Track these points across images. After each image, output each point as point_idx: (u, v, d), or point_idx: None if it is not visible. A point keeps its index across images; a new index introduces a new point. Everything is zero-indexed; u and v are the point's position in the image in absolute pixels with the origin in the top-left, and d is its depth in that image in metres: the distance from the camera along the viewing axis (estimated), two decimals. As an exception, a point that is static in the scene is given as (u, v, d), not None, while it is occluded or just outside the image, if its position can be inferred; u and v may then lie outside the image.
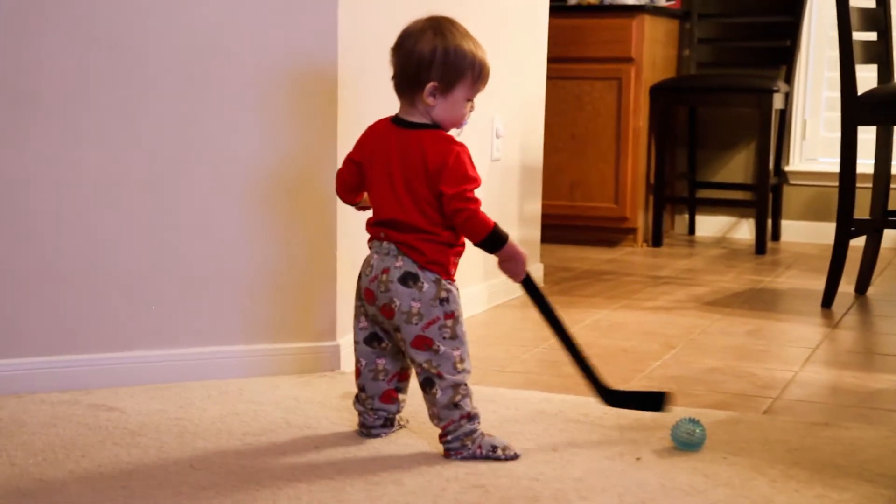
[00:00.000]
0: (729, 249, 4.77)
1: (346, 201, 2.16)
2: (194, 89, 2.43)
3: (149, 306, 2.46)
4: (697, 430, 2.05)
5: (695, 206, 5.13)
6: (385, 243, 2.01)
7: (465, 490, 1.85)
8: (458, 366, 2.00)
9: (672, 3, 4.94)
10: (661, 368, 2.70)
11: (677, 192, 5.10)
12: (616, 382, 2.56)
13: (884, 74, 3.66)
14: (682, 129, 5.07)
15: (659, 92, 4.74)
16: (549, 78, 3.83)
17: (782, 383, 2.59)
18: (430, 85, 1.96)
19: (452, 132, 2.03)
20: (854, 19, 3.41)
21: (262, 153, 2.50)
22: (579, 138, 4.69)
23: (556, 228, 4.63)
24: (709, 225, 5.15)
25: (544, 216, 3.93)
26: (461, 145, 1.99)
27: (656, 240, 4.82)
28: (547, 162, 3.98)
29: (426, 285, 1.98)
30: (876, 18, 3.66)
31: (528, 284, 2.08)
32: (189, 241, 2.47)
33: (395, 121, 2.04)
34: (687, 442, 2.05)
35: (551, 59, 3.84)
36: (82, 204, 2.39)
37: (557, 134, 4.60)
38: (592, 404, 2.34)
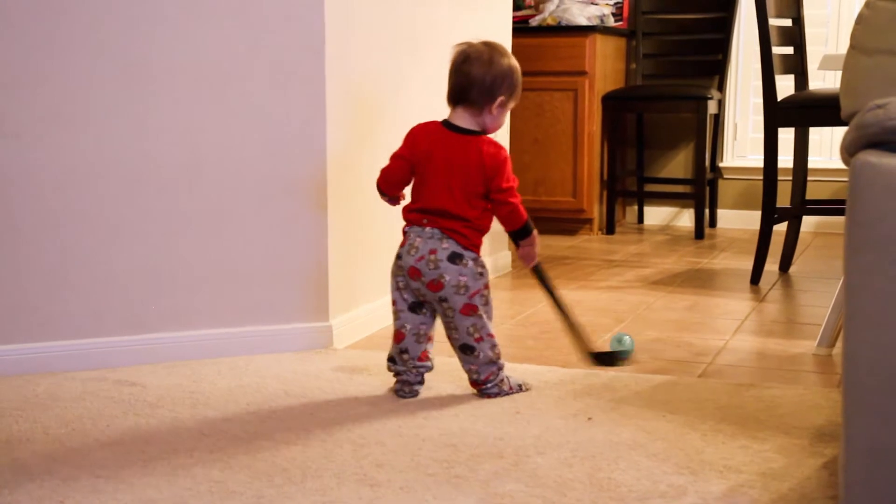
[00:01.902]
0: (672, 236, 4.76)
1: (390, 194, 2.21)
2: (201, 100, 2.41)
3: (166, 294, 2.45)
4: (626, 339, 2.40)
5: (643, 199, 5.12)
6: (428, 228, 2.08)
7: (438, 448, 1.85)
8: (491, 328, 2.12)
9: (620, 23, 4.93)
10: (611, 340, 2.70)
11: (627, 187, 5.09)
12: (572, 352, 2.57)
13: (800, 83, 3.65)
14: (630, 132, 5.06)
15: (610, 100, 4.73)
16: (513, 90, 3.80)
17: (715, 350, 2.59)
18: (501, 98, 2.06)
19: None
20: (774, 36, 3.41)
21: (262, 156, 2.48)
22: (541, 142, 4.68)
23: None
24: (655, 215, 5.15)
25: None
26: (506, 151, 2.10)
27: (610, 228, 4.82)
28: (514, 163, 3.94)
29: (469, 262, 2.08)
30: (792, 35, 3.66)
31: (538, 270, 2.20)
32: (200, 236, 2.46)
33: (448, 125, 2.11)
34: (618, 346, 2.40)
35: (515, 74, 3.82)
36: (105, 204, 2.37)
37: (522, 138, 4.59)
38: (550, 372, 2.34)
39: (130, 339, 2.42)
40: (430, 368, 2.18)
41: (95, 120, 2.34)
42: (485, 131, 2.10)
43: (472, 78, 2.05)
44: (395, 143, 2.88)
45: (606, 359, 2.33)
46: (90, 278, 2.38)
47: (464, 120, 2.09)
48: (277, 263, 2.53)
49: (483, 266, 2.12)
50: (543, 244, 4.35)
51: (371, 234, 2.77)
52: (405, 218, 2.14)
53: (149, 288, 2.43)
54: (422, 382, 2.19)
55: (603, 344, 2.58)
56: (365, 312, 2.74)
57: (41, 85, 2.29)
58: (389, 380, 2.27)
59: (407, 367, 2.16)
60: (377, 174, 2.78)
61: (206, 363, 2.42)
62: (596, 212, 4.75)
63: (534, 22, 4.73)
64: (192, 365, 2.41)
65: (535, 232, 2.14)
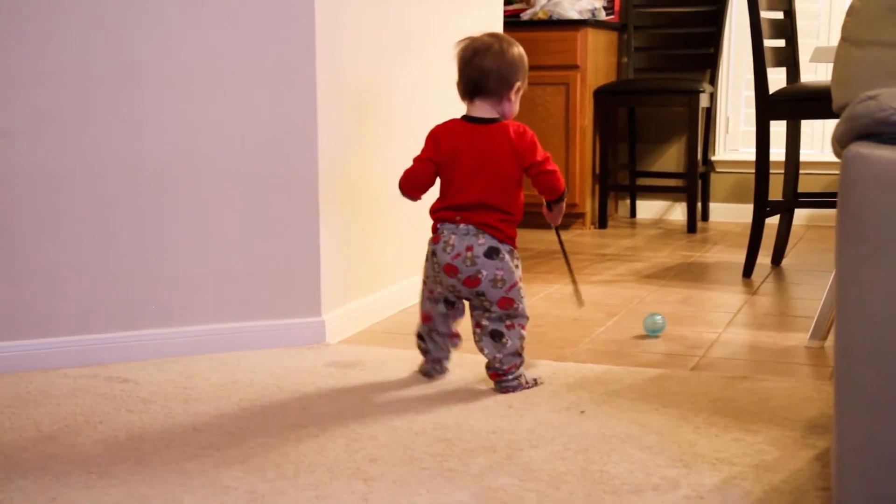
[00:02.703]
0: (665, 230, 4.77)
1: (412, 197, 2.23)
2: (193, 101, 2.41)
3: (158, 290, 2.44)
4: (658, 319, 2.62)
5: (635, 193, 5.12)
6: (462, 225, 2.10)
7: (432, 443, 1.85)
8: (526, 320, 2.15)
9: (611, 17, 4.93)
10: (605, 333, 2.70)
11: (620, 181, 5.10)
12: (565, 345, 2.57)
13: (792, 76, 3.66)
14: (622, 127, 5.06)
15: (602, 94, 4.73)
16: (505, 84, 3.80)
17: (708, 343, 2.59)
18: (517, 84, 2.11)
19: None
20: (765, 28, 3.41)
21: (255, 153, 2.48)
22: (533, 136, 4.68)
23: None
24: (647, 209, 5.15)
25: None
26: (531, 129, 2.15)
27: (602, 222, 4.82)
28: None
29: (506, 256, 2.11)
30: (784, 28, 3.66)
31: (559, 230, 2.38)
32: (192, 234, 2.45)
33: (470, 119, 2.13)
34: (653, 329, 2.61)
35: (506, 68, 3.82)
36: (98, 201, 2.37)
37: (514, 133, 4.59)
38: (543, 366, 2.34)
39: (123, 336, 2.41)
40: (457, 345, 2.25)
41: (89, 119, 2.33)
42: (504, 118, 2.14)
43: (487, 69, 2.09)
44: (387, 140, 2.89)
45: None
46: (84, 275, 2.37)
47: (484, 111, 2.12)
48: (270, 259, 2.52)
49: (518, 258, 2.16)
50: (536, 239, 4.37)
51: (363, 231, 2.77)
52: (435, 217, 2.16)
53: (141, 285, 2.42)
54: (449, 358, 2.25)
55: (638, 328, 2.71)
56: (357, 307, 2.73)
57: (36, 85, 2.28)
58: (381, 374, 2.27)
59: (437, 344, 2.22)
60: (369, 171, 2.79)
61: (199, 359, 2.42)
62: (588, 206, 4.75)
63: (525, 16, 4.73)
64: (184, 361, 2.41)
65: (566, 196, 2.22)
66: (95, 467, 1.74)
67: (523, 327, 2.15)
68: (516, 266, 2.14)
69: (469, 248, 2.09)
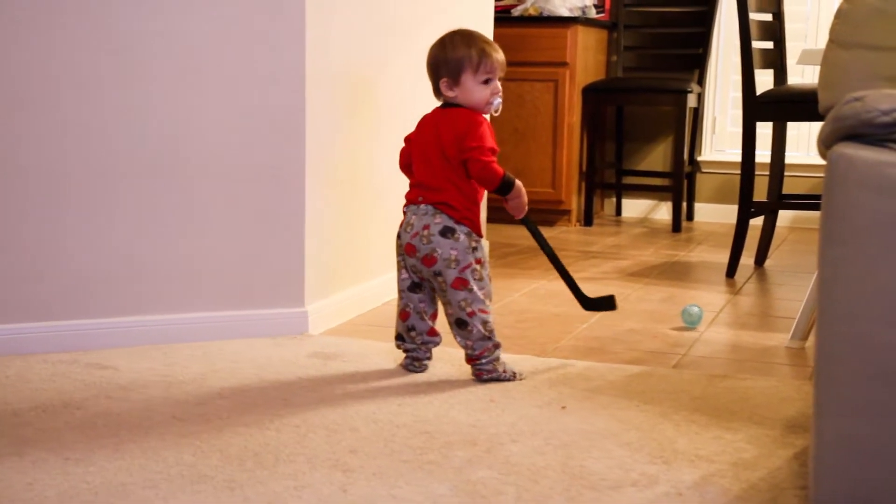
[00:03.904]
0: (650, 228, 4.78)
1: (407, 175, 2.28)
2: (180, 90, 2.39)
3: (141, 277, 2.43)
4: (695, 310, 2.72)
5: (621, 191, 5.13)
6: (423, 205, 2.15)
7: (412, 435, 1.85)
8: (486, 302, 2.16)
9: (602, 15, 4.93)
10: (588, 330, 2.71)
11: (606, 179, 5.10)
12: (548, 341, 2.57)
13: (779, 78, 3.67)
14: (610, 125, 5.06)
15: (590, 92, 4.73)
16: (493, 80, 3.79)
17: (690, 342, 2.60)
18: (443, 80, 2.17)
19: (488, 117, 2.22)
20: (754, 30, 3.42)
21: (241, 142, 2.46)
22: (521, 132, 4.68)
23: (502, 210, 4.56)
24: (633, 207, 5.16)
25: (491, 199, 3.91)
26: (484, 119, 2.17)
27: (588, 220, 4.82)
28: (492, 152, 3.95)
29: (461, 236, 2.13)
30: (772, 29, 3.67)
31: (526, 221, 2.26)
32: (176, 222, 2.44)
33: (442, 105, 2.21)
34: (691, 322, 2.71)
35: (495, 64, 3.82)
36: (81, 188, 2.35)
37: (502, 128, 4.58)
38: (525, 361, 2.34)
39: (104, 322, 2.40)
40: (437, 343, 2.26)
41: (75, 107, 2.32)
42: (467, 106, 2.17)
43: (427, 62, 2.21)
44: (375, 131, 2.88)
45: (600, 303, 2.39)
46: (66, 262, 2.36)
47: (450, 99, 2.20)
48: (254, 249, 2.51)
49: (478, 241, 2.16)
50: (521, 234, 4.35)
51: (348, 221, 2.76)
52: (405, 198, 2.21)
53: (124, 272, 2.41)
54: (430, 357, 2.27)
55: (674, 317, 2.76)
56: (341, 299, 2.73)
57: (22, 74, 2.26)
58: (363, 366, 2.27)
59: (416, 343, 2.23)
60: (356, 162, 2.79)
61: (180, 347, 2.41)
62: (574, 203, 4.75)
63: (516, 12, 4.72)
64: (165, 349, 2.39)
65: (517, 184, 2.17)
66: (73, 454, 1.73)
67: (484, 311, 2.15)
68: (474, 248, 2.14)
69: (426, 227, 2.14)
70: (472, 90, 2.16)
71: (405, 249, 2.17)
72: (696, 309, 2.73)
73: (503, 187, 2.15)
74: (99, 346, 2.38)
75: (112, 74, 2.33)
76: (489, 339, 2.16)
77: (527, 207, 2.22)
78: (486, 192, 2.30)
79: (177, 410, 1.96)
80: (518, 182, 2.17)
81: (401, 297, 2.23)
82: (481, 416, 1.95)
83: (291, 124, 2.49)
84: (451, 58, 2.16)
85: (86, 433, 1.83)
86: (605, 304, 2.40)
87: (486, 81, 2.16)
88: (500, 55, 2.18)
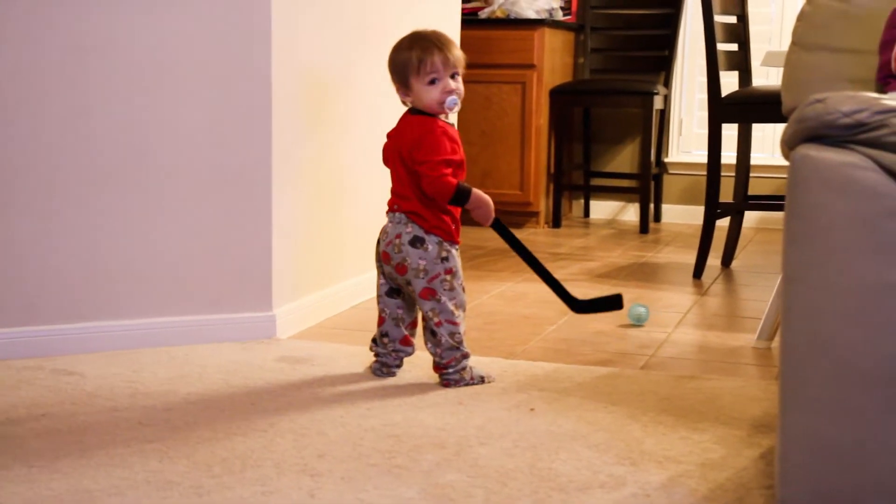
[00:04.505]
0: (618, 230, 4.80)
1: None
2: (145, 90, 2.37)
3: (106, 282, 2.40)
4: (643, 311, 2.76)
5: (589, 193, 5.15)
6: (398, 213, 2.14)
7: (380, 439, 1.84)
8: (456, 312, 2.15)
9: (568, 17, 4.95)
10: (556, 332, 2.71)
11: (574, 181, 5.12)
12: (516, 343, 2.57)
13: (744, 79, 3.70)
14: (577, 126, 5.08)
15: (558, 94, 4.75)
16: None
17: (657, 343, 2.61)
18: (397, 88, 2.16)
19: (450, 117, 2.20)
20: (719, 32, 3.44)
21: (207, 144, 2.45)
22: (489, 134, 4.69)
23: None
24: (601, 209, 5.18)
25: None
26: (443, 125, 2.12)
27: (556, 222, 4.84)
28: (460, 155, 3.95)
29: (430, 247, 2.12)
30: (737, 32, 3.70)
31: (497, 225, 2.20)
32: (142, 225, 2.42)
33: (410, 111, 2.19)
34: (638, 320, 2.76)
35: (463, 66, 3.82)
36: (45, 192, 2.32)
37: (470, 130, 4.59)
38: (493, 364, 2.34)
39: (69, 328, 2.37)
40: (409, 353, 2.25)
41: (36, 108, 2.29)
42: (427, 111, 2.14)
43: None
44: (342, 133, 2.87)
45: (597, 304, 2.28)
46: (30, 266, 2.33)
47: (405, 104, 2.20)
48: (221, 252, 2.50)
49: (448, 251, 2.14)
50: (489, 236, 4.35)
51: (316, 224, 2.75)
52: (387, 204, 2.22)
53: (89, 276, 2.39)
54: (400, 365, 2.26)
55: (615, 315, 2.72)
56: (309, 303, 2.71)
57: (-22, 67, 2.24)
58: (332, 370, 2.26)
59: (387, 349, 2.23)
60: (323, 165, 2.78)
61: (147, 353, 2.39)
62: (542, 205, 4.77)
63: (483, 14, 4.73)
64: (131, 354, 2.37)
65: (474, 193, 2.11)
66: (37, 461, 1.71)
67: (452, 322, 2.14)
68: (444, 259, 2.12)
69: (398, 236, 2.13)
70: (421, 93, 2.11)
71: (381, 257, 2.17)
72: (642, 309, 2.77)
73: (457, 199, 2.09)
74: (64, 352, 2.35)
75: (72, 75, 2.31)
76: (457, 349, 2.16)
77: (493, 214, 2.16)
78: None
79: (143, 416, 1.95)
80: (476, 191, 2.11)
81: (379, 302, 2.23)
82: (450, 420, 1.95)
83: (258, 125, 2.48)
84: (397, 64, 2.14)
85: (51, 440, 1.81)
86: (604, 304, 2.27)
87: (433, 82, 2.10)
88: (447, 53, 2.11)
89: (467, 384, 2.17)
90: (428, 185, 2.08)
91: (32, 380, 2.16)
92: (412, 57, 2.11)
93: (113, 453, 1.75)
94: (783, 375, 1.41)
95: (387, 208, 2.19)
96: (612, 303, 2.28)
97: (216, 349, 2.43)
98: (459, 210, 2.16)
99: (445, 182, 2.07)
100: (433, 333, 2.15)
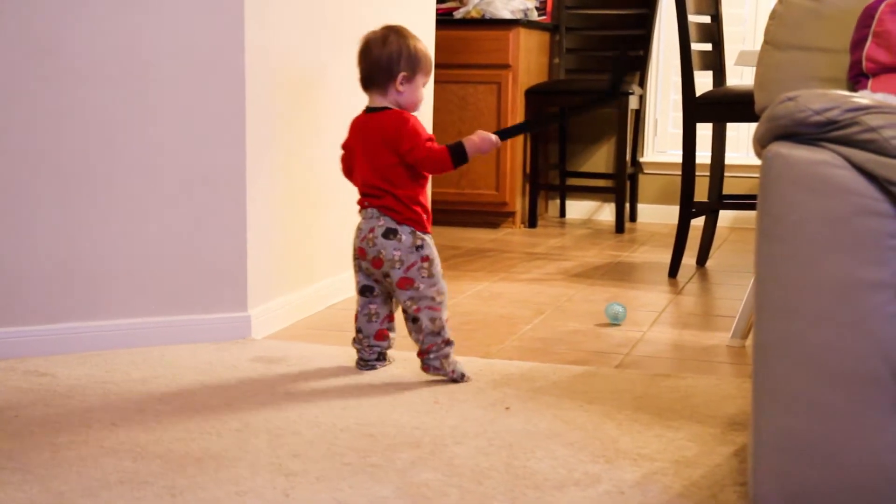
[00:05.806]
0: (593, 229, 4.81)
1: (351, 181, 2.29)
2: (117, 90, 2.36)
3: (79, 283, 2.39)
4: (620, 310, 2.77)
5: (565, 193, 5.16)
6: (369, 209, 2.18)
7: (355, 438, 1.84)
8: (437, 298, 2.17)
9: (543, 17, 4.96)
10: (532, 331, 2.72)
11: (550, 181, 5.13)
12: (492, 342, 2.58)
13: (718, 79, 3.72)
14: (553, 127, 5.09)
15: (533, 94, 4.75)
16: (436, 82, 3.81)
17: (633, 341, 2.62)
18: (402, 74, 2.15)
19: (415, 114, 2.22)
20: (693, 32, 3.46)
21: (180, 145, 2.44)
22: (465, 134, 4.64)
23: (446, 213, 4.62)
24: (577, 208, 5.20)
25: (435, 202, 3.92)
26: (412, 116, 2.17)
27: (532, 222, 4.85)
28: (436, 155, 3.95)
29: (404, 237, 2.15)
30: (711, 32, 3.72)
31: (504, 136, 2.26)
32: (115, 226, 2.40)
33: (367, 110, 2.21)
34: (615, 319, 2.77)
35: (438, 66, 3.81)
36: (17, 191, 2.30)
37: (445, 131, 4.59)
38: (469, 363, 2.34)
39: (42, 329, 2.36)
40: (385, 348, 2.27)
41: (7, 108, 2.27)
42: (405, 108, 2.19)
43: (371, 60, 2.18)
44: (316, 133, 2.86)
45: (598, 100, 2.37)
46: (2, 267, 2.31)
47: (376, 101, 2.21)
48: (195, 253, 2.48)
49: (422, 240, 2.17)
50: (465, 236, 4.38)
51: (291, 225, 2.74)
52: (357, 203, 2.24)
53: (62, 277, 2.37)
54: (380, 359, 2.28)
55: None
56: (284, 303, 2.71)
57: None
58: (307, 370, 2.26)
59: (362, 345, 2.26)
60: (297, 164, 2.77)
61: (120, 353, 2.37)
62: (518, 205, 4.77)
63: (458, 14, 4.73)
64: (105, 355, 2.36)
65: (467, 144, 2.15)
66: (9, 462, 1.70)
67: (432, 308, 2.17)
68: (419, 247, 2.15)
69: (371, 230, 2.17)
70: (416, 90, 2.19)
71: (357, 253, 2.20)
72: (619, 308, 2.78)
73: (457, 160, 2.14)
74: (37, 353, 2.34)
75: (42, 73, 2.29)
76: (438, 335, 2.18)
77: (493, 138, 2.19)
78: (428, 188, 2.29)
79: (116, 417, 1.93)
80: (466, 142, 2.15)
81: (357, 299, 2.26)
82: (425, 418, 1.95)
83: (231, 126, 2.47)
84: (417, 54, 2.18)
85: (23, 441, 1.80)
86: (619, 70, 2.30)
87: (423, 84, 2.20)
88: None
89: (446, 375, 2.19)
90: (427, 165, 2.14)
91: (4, 381, 2.14)
92: (428, 57, 2.19)
93: (86, 454, 1.74)
94: (756, 373, 1.42)
95: (359, 208, 2.21)
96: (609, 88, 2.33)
97: (191, 350, 2.42)
98: (429, 201, 2.23)
99: (438, 153, 2.13)
100: (414, 320, 2.18)
